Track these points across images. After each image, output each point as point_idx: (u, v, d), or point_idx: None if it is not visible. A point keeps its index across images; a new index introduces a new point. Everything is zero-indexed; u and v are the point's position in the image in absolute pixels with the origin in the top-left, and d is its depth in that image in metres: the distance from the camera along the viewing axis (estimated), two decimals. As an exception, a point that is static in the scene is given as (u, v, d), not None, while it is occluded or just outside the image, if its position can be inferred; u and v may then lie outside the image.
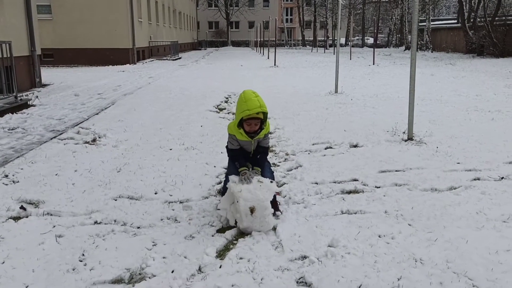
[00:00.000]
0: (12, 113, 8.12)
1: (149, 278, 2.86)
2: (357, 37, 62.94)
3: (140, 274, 2.92)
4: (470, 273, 2.81)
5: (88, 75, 16.88)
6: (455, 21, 36.69)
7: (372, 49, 25.62)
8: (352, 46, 45.18)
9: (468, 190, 4.24)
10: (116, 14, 21.99)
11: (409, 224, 3.56)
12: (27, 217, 3.72)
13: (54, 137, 6.43)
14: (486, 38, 25.57)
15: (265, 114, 3.64)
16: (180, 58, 29.13)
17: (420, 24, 38.43)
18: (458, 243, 3.21)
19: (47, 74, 15.57)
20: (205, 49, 50.96)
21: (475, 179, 4.55)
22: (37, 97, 9.93)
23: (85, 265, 2.99)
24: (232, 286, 2.75)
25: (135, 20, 23.06)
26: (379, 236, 3.35)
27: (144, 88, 12.62)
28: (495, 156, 5.30)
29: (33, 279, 2.81)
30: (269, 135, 3.84)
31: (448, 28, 34.78)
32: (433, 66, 20.74)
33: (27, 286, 2.73)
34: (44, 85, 12.87)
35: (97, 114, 8.48)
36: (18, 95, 9.12)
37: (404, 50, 38.42)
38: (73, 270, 2.92)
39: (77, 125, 7.36)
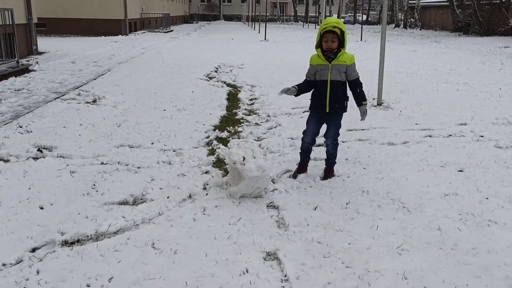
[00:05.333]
0: (16, 77, 8.71)
1: (149, 201, 3.58)
2: (349, 14, 63.06)
3: (141, 199, 3.63)
4: (403, 199, 3.57)
5: (82, 44, 17.30)
6: (445, -1, 37.18)
7: (363, 25, 26.13)
8: (344, 23, 45.62)
9: (419, 144, 5.00)
10: (108, -16, 22.23)
11: (363, 168, 4.31)
12: (44, 157, 4.42)
13: (58, 98, 7.07)
14: (472, 17, 26.20)
15: (342, 32, 3.66)
16: (171, 30, 29.39)
17: (410, 2, 38.85)
18: (399, 180, 3.96)
19: (41, 42, 15.95)
20: (197, 22, 50.88)
21: (426, 136, 5.31)
22: (37, 62, 10.49)
23: (96, 191, 3.70)
24: (216, 206, 3.48)
25: (127, -9, 23.29)
26: (338, 176, 4.10)
27: (137, 58, 13.16)
28: (449, 119, 6.06)
29: (56, 199, 3.52)
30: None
31: (438, 6, 35.24)
32: (418, 43, 21.37)
33: (52, 204, 3.44)
34: (41, 53, 13.35)
35: (94, 79, 9.08)
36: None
37: (394, 27, 38.92)
38: (87, 194, 3.64)
39: (77, 88, 7.99)
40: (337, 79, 3.79)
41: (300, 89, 3.97)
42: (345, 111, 3.99)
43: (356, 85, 3.85)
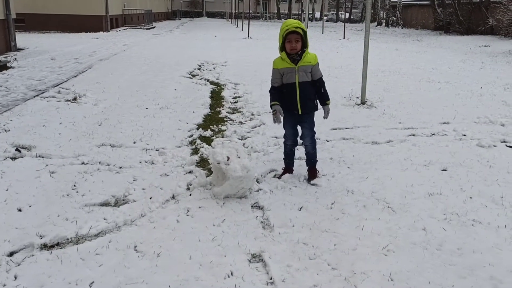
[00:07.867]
0: (-7, 74, 8.49)
1: (131, 202, 3.50)
2: (332, 12, 63.26)
3: (123, 200, 3.55)
4: (388, 199, 3.57)
5: (62, 40, 16.99)
6: (427, -2, 37.52)
7: (346, 23, 26.27)
8: (327, 21, 45.74)
9: (402, 143, 5.02)
10: (89, -20, 21.85)
11: (348, 167, 4.30)
12: (22, 157, 4.30)
13: (37, 95, 6.91)
14: (453, 16, 26.52)
15: (304, 32, 3.67)
16: (154, 27, 29.09)
17: (392, 0, 39.18)
18: (384, 180, 3.96)
19: (20, 38, 15.59)
20: (180, 19, 50.49)
21: (410, 135, 5.33)
22: (15, 59, 10.23)
23: (77, 192, 3.61)
24: (200, 207, 3.42)
25: (108, -13, 22.93)
26: (323, 175, 4.07)
27: (119, 55, 12.96)
28: (432, 118, 6.10)
29: (35, 201, 3.41)
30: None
31: (419, 5, 35.59)
32: (400, 42, 21.56)
33: (30, 206, 3.34)
34: (19, 49, 13.06)
35: (75, 76, 8.91)
36: (-4, 57, 9.43)
37: (376, 26, 39.19)
38: (68, 195, 3.54)
39: (57, 85, 7.82)
40: (304, 80, 3.78)
41: (277, 97, 3.86)
42: (317, 109, 3.98)
43: (320, 85, 3.87)
